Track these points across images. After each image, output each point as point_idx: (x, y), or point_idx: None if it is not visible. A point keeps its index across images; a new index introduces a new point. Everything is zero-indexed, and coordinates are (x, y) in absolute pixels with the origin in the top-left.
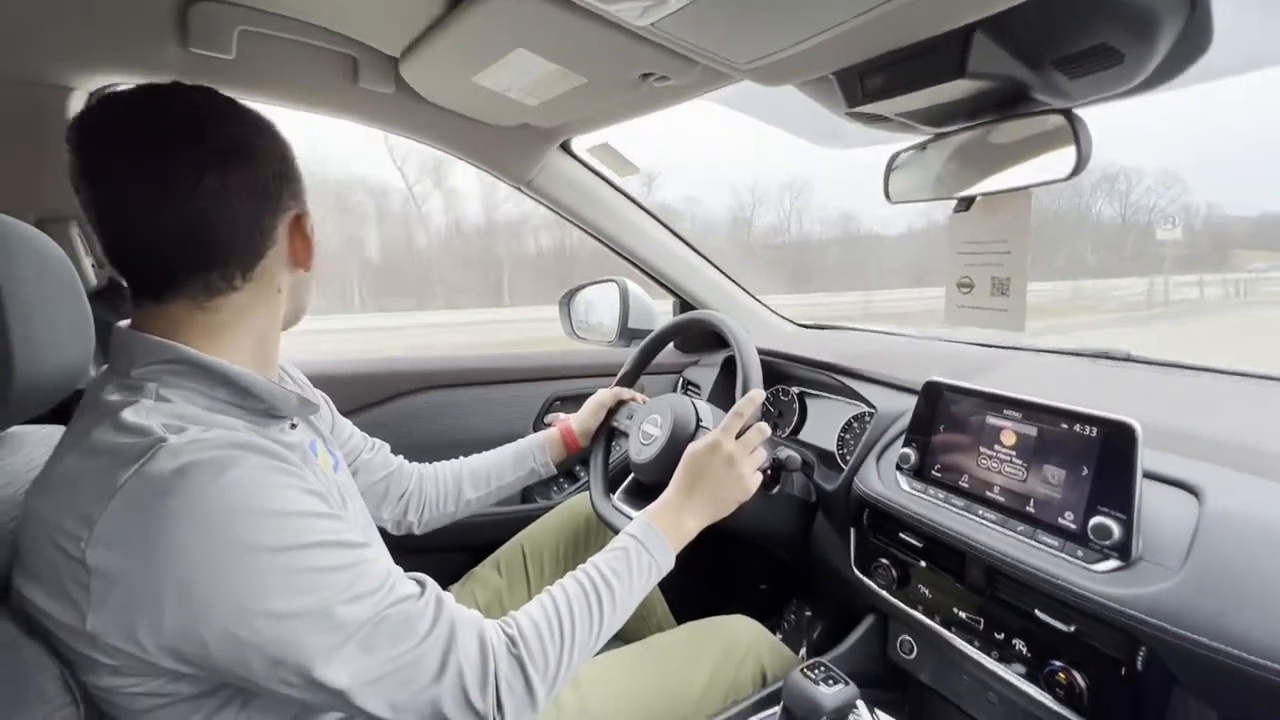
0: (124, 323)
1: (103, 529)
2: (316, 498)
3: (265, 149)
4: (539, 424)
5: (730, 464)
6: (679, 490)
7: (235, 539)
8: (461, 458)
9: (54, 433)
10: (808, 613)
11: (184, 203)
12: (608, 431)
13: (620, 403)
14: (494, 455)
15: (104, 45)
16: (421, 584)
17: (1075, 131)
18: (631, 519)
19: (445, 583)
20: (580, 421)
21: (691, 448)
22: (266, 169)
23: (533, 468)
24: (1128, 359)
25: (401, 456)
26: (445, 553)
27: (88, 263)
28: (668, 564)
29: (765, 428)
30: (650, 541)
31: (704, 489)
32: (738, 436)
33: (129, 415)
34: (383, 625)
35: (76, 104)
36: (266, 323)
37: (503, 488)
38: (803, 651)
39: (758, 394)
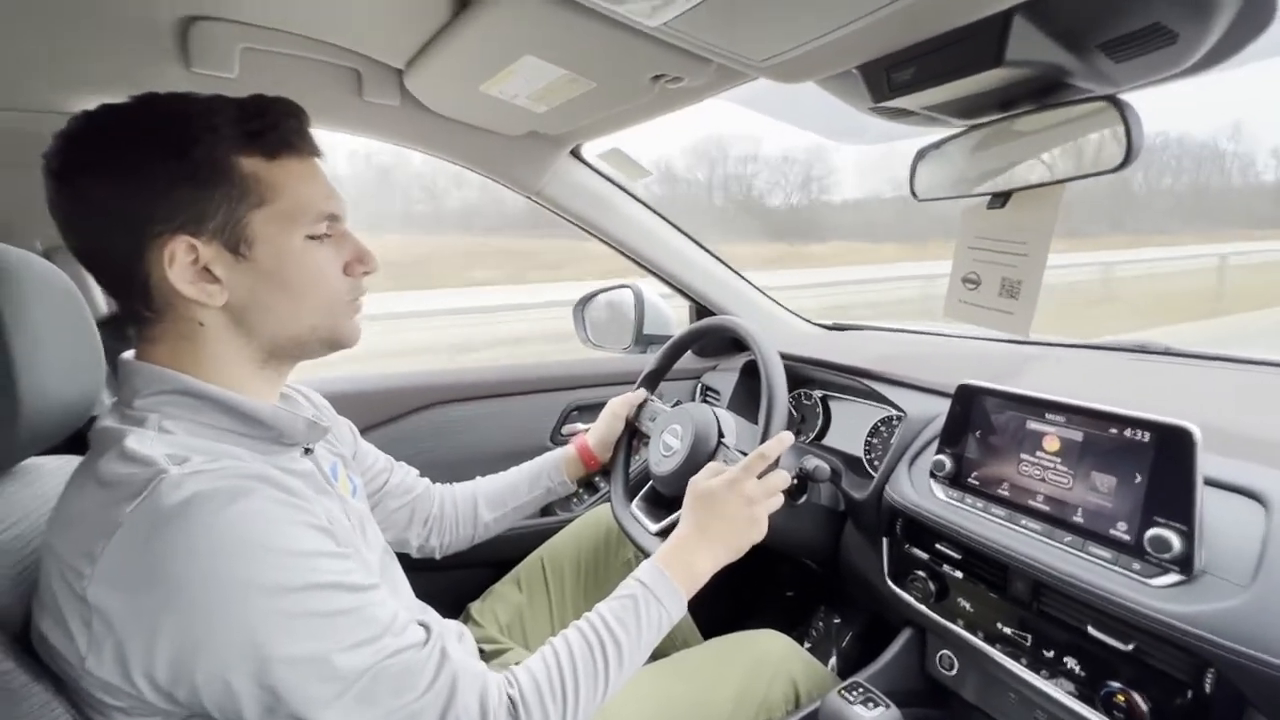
0: (130, 352)
1: (104, 566)
2: (324, 535)
3: (135, 164)
4: (556, 435)
5: (749, 504)
6: (692, 528)
7: (234, 577)
8: (478, 477)
9: (66, 464)
10: (836, 620)
11: (82, 221)
12: (629, 436)
13: (641, 404)
14: (509, 477)
15: (105, 70)
16: (427, 628)
17: (1125, 119)
18: (649, 530)
19: (465, 600)
20: (597, 435)
21: (708, 483)
22: (131, 186)
23: (549, 487)
24: (1166, 353)
25: (426, 480)
26: (465, 569)
27: (97, 291)
28: (679, 612)
29: (786, 475)
30: (660, 589)
31: (718, 527)
32: (760, 476)
33: (132, 444)
34: (382, 676)
35: None
36: (235, 351)
37: (519, 508)
38: (833, 661)
39: (787, 436)
